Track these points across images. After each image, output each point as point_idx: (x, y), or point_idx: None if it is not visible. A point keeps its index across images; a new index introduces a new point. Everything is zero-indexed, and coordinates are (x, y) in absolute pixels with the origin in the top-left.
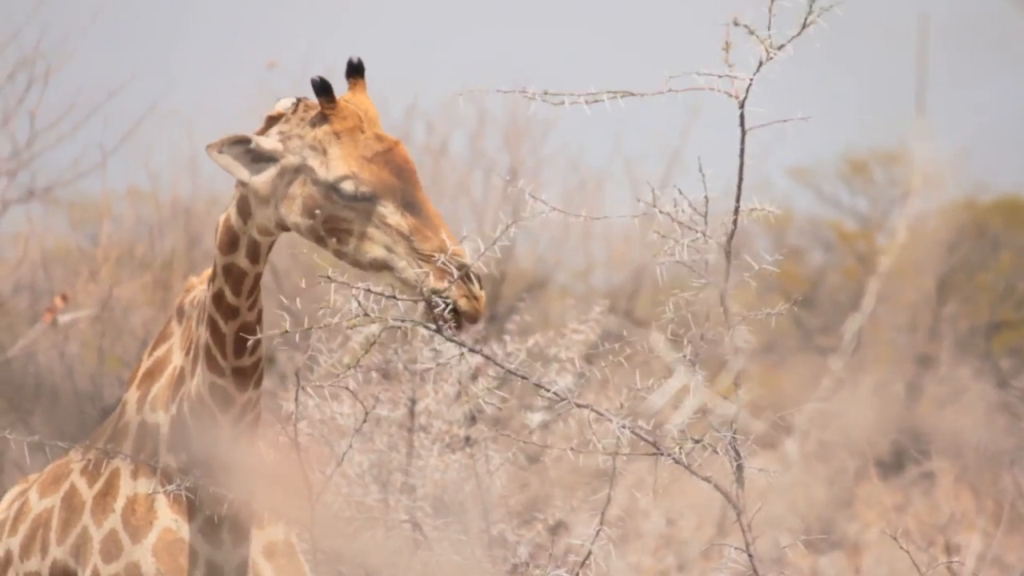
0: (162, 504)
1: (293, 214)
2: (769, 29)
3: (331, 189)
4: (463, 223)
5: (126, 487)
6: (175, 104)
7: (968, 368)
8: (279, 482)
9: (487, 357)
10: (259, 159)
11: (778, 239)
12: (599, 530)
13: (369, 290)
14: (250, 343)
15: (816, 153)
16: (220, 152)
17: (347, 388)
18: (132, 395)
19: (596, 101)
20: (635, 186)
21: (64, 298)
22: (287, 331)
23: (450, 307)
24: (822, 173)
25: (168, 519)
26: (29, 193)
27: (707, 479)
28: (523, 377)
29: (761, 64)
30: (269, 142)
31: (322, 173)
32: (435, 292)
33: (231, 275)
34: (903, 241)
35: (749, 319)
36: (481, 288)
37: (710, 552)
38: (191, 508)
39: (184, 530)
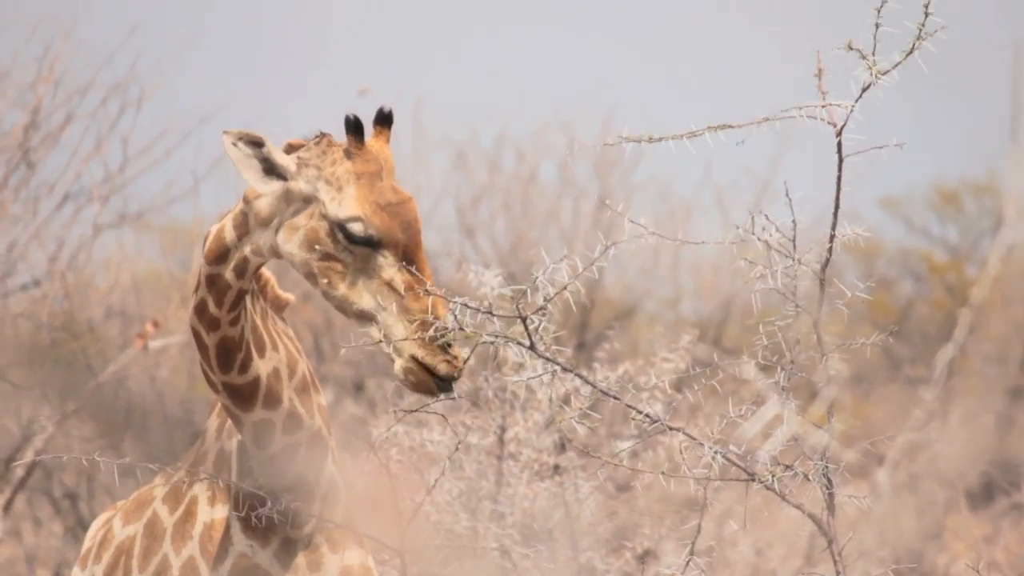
0: (237, 530)
1: (290, 243)
2: (873, 54)
3: (338, 227)
4: (553, 251)
5: (203, 514)
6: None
7: None
8: (370, 508)
9: (581, 377)
10: (270, 170)
11: (868, 269)
12: (689, 559)
13: (466, 305)
14: (238, 362)
15: (906, 183)
16: (234, 144)
17: (440, 414)
18: (212, 423)
19: (694, 136)
20: (725, 215)
21: (155, 324)
22: (380, 341)
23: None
24: (912, 203)
25: (243, 545)
26: (121, 218)
27: (799, 507)
28: (615, 397)
29: (864, 89)
30: (284, 157)
31: (333, 209)
32: (414, 357)
33: (215, 286)
34: (995, 272)
35: (843, 348)
36: (456, 354)
37: None
38: (266, 533)
39: (260, 556)
